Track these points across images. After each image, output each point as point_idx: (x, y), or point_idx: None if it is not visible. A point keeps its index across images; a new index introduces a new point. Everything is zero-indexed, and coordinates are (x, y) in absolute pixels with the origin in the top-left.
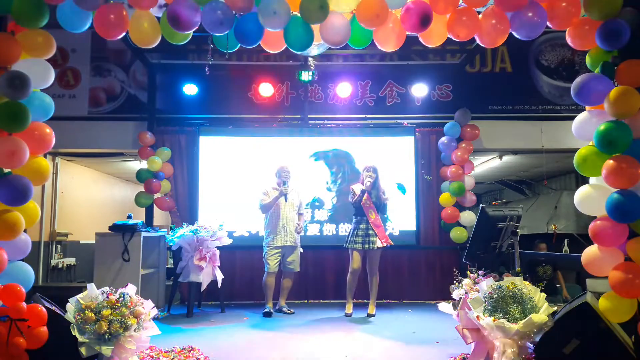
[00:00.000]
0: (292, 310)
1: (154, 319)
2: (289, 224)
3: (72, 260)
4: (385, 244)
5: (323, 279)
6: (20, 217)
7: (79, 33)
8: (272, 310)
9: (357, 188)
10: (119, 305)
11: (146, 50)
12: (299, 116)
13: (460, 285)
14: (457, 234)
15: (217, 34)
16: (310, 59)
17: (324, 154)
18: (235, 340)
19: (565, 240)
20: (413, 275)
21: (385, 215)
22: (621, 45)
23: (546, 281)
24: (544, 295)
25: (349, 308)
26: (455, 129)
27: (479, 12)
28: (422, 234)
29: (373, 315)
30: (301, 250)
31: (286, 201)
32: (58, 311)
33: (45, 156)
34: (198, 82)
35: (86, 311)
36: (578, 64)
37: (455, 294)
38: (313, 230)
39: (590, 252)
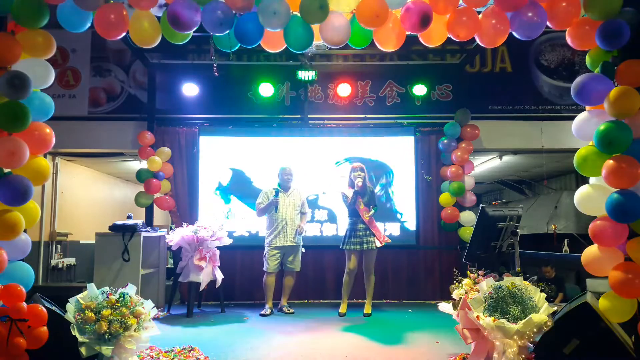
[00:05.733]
0: (292, 310)
1: (154, 319)
2: (289, 224)
3: (72, 260)
4: (383, 243)
5: (323, 279)
6: (20, 217)
7: (79, 33)
8: (270, 311)
9: (349, 192)
10: (119, 305)
11: (146, 50)
12: (299, 116)
13: (460, 285)
14: (467, 233)
15: (217, 34)
16: (311, 51)
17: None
18: (235, 340)
19: (565, 240)
20: (413, 275)
21: (375, 208)
22: (621, 45)
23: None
24: (544, 295)
25: (343, 308)
26: (455, 129)
27: (479, 12)
28: (422, 234)
29: (369, 315)
30: (303, 250)
31: (276, 212)
32: (58, 311)
33: (45, 156)
34: (198, 82)
35: (86, 311)
36: (578, 64)
37: (455, 294)
38: (313, 230)
39: (590, 252)
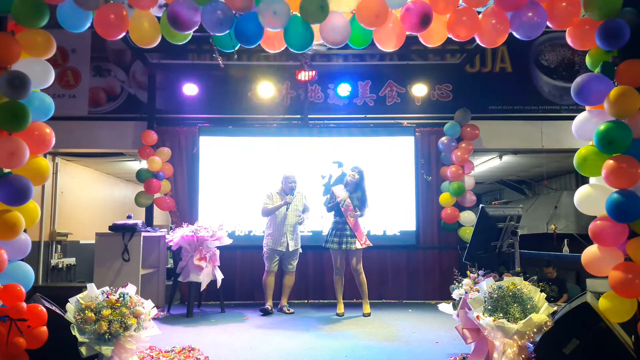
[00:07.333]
0: (292, 310)
1: (154, 319)
2: (289, 230)
3: (72, 260)
4: (363, 246)
5: (323, 279)
6: (20, 217)
7: (79, 33)
8: (271, 308)
9: (338, 190)
10: (119, 305)
11: (146, 50)
12: (299, 116)
13: (460, 285)
14: (467, 233)
15: (217, 34)
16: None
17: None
18: (235, 340)
19: (565, 240)
20: (413, 275)
21: (360, 213)
22: (621, 45)
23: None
24: (544, 295)
25: (340, 308)
26: (455, 129)
27: (479, 12)
28: (422, 234)
29: (369, 315)
30: (300, 250)
31: (287, 210)
32: (58, 311)
33: (45, 156)
34: (198, 82)
35: (86, 311)
36: (578, 64)
37: (455, 294)
38: (313, 226)
39: (590, 252)
